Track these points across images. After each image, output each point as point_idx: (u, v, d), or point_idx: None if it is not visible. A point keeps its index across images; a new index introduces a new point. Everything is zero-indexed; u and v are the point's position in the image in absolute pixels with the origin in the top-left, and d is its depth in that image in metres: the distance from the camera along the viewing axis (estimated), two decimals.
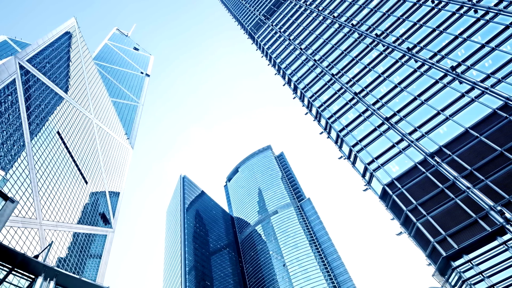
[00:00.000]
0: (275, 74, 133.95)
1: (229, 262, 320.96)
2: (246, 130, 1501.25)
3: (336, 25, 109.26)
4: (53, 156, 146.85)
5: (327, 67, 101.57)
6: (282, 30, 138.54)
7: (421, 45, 76.56)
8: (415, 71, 74.67)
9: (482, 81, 60.54)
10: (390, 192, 65.24)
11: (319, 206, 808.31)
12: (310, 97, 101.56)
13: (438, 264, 53.42)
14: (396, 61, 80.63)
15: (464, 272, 49.98)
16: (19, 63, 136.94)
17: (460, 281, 50.15)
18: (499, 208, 49.54)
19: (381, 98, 78.51)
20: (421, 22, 79.82)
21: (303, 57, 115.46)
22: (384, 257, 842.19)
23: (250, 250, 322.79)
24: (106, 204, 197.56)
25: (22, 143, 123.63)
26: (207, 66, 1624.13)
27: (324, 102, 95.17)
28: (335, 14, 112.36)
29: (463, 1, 72.55)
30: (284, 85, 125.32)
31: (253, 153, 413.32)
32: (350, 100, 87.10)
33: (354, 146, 78.84)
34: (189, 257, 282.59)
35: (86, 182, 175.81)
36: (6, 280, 49.96)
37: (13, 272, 51.26)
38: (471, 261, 49.98)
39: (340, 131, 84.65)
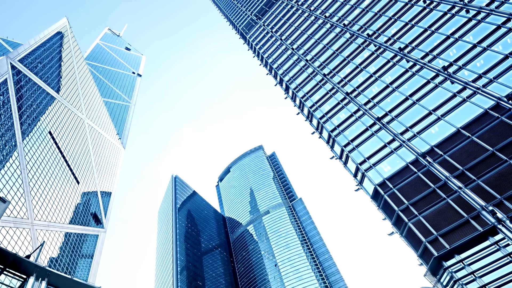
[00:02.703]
0: (267, 74, 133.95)
1: (221, 262, 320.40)
2: (237, 130, 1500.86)
3: (328, 25, 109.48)
4: (45, 156, 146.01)
5: (318, 67, 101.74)
6: (273, 30, 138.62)
7: (413, 45, 76.92)
8: (406, 71, 75.00)
9: (474, 81, 60.89)
10: (382, 192, 65.40)
11: (311, 206, 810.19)
12: (302, 97, 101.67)
13: (430, 264, 53.64)
14: (388, 61, 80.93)
15: (455, 272, 50.19)
16: (10, 63, 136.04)
17: (452, 281, 50.37)
18: (490, 208, 49.81)
19: (373, 98, 78.77)
20: (412, 22, 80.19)
21: (295, 57, 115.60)
22: (376, 257, 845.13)
23: (242, 250, 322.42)
24: (98, 204, 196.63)
25: (13, 143, 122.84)
26: (199, 66, 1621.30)
27: (316, 102, 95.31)
28: (327, 14, 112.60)
29: (454, 1, 72.95)
30: (275, 85, 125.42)
31: (245, 153, 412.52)
32: (342, 100, 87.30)
33: (345, 146, 79.00)
34: (180, 257, 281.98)
35: (78, 182, 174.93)
36: None
37: (4, 272, 51.05)
38: (463, 261, 50.21)
39: (332, 131, 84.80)
